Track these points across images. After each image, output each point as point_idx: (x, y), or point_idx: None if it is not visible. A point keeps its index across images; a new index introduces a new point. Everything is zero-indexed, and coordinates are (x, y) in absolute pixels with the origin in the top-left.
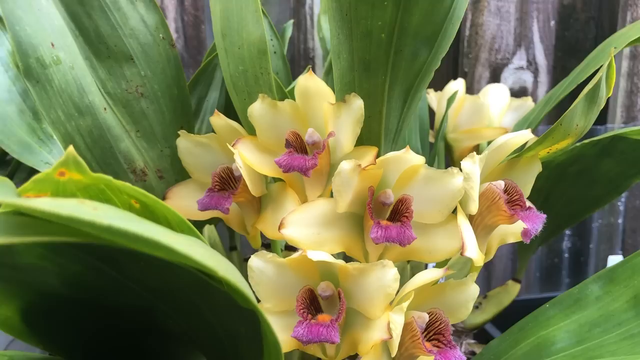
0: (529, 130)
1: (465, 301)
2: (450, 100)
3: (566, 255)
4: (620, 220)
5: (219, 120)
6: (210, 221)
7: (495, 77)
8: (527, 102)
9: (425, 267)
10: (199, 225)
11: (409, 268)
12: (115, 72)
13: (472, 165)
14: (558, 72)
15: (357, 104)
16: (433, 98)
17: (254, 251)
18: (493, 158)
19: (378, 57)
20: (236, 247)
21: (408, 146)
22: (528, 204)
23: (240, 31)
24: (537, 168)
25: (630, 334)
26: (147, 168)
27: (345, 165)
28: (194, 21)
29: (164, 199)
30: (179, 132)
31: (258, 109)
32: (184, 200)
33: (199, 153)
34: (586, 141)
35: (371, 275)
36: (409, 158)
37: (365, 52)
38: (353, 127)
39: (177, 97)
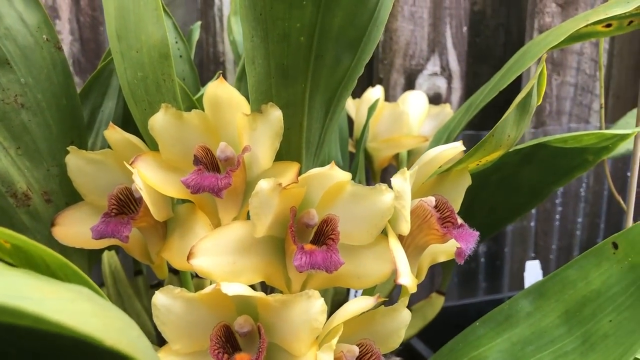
0: (460, 142)
1: (398, 328)
2: (372, 109)
3: (482, 259)
4: (532, 224)
5: (114, 134)
6: (109, 248)
7: (410, 83)
8: (446, 109)
9: (347, 292)
10: (97, 252)
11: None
12: None
13: (402, 182)
14: (470, 78)
15: (275, 115)
16: (351, 105)
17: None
18: (423, 172)
19: (297, 62)
20: (142, 271)
21: (333, 162)
22: (459, 220)
23: (138, 32)
24: (467, 181)
25: (563, 352)
26: (30, 191)
27: (264, 185)
28: (91, 22)
29: (52, 225)
30: (68, 149)
31: (160, 121)
32: (77, 227)
33: (92, 172)
34: (510, 150)
35: (295, 308)
36: (335, 175)
37: (283, 57)
38: (272, 140)
39: (65, 107)
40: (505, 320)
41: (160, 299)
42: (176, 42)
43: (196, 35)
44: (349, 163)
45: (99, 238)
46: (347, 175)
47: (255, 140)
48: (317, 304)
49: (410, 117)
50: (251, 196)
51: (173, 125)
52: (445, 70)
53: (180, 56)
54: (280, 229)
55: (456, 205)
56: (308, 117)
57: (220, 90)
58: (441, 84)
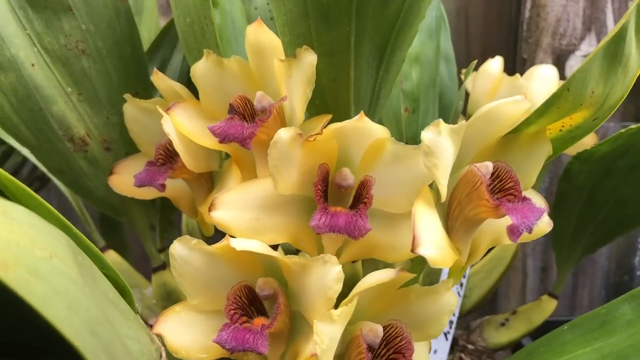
0: (521, 96)
1: (439, 314)
2: (468, 73)
3: (639, 272)
4: None
5: (160, 81)
6: (164, 202)
7: (559, 65)
8: None
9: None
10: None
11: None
12: (53, 24)
13: (434, 135)
14: None
15: (309, 59)
16: (469, 80)
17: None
18: (479, 132)
19: (338, 1)
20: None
21: (362, 112)
22: (528, 194)
23: None
24: (544, 149)
25: None
26: (89, 137)
27: (283, 134)
28: None
29: (110, 173)
30: (125, 97)
31: (202, 68)
32: (131, 177)
33: (146, 121)
34: (634, 127)
35: (312, 274)
36: (366, 128)
37: None
38: (303, 88)
39: (129, 56)
40: (600, 327)
41: (177, 248)
42: None
43: None
44: None
45: (139, 185)
46: (383, 131)
47: (291, 88)
48: (333, 271)
49: (532, 92)
50: (269, 146)
51: (213, 72)
52: None
53: None
54: (312, 189)
55: (529, 177)
56: (356, 67)
57: (260, 35)
58: None
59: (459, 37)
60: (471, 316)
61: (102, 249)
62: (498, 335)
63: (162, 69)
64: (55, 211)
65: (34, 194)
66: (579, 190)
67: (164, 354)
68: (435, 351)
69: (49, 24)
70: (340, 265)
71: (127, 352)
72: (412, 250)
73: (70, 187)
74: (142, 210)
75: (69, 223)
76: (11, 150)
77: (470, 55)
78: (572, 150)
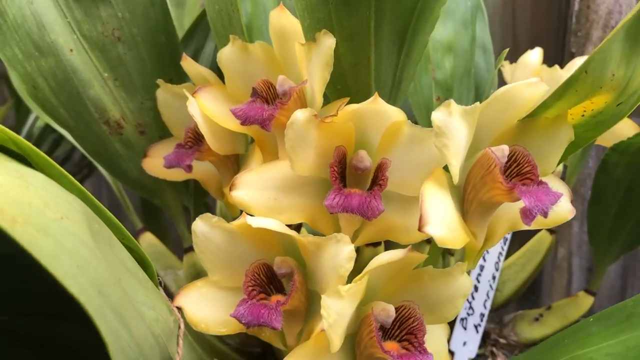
0: (536, 78)
1: (452, 297)
2: (500, 60)
3: None
4: None
5: (188, 66)
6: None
7: None
8: None
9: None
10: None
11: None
12: (92, 12)
13: (445, 116)
14: None
15: (327, 43)
16: (507, 70)
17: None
18: (495, 115)
19: None
20: None
21: (377, 94)
22: (548, 180)
23: None
24: (566, 134)
25: None
26: (124, 120)
27: (299, 115)
28: None
29: (144, 156)
30: (157, 82)
31: (227, 53)
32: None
33: (177, 106)
34: None
35: (325, 252)
36: (381, 110)
37: None
38: (322, 71)
39: (164, 44)
40: (627, 319)
41: (199, 225)
42: None
43: None
44: None
45: (168, 166)
46: (398, 113)
47: (311, 72)
48: (345, 250)
49: None
50: (286, 127)
51: (239, 57)
52: None
53: None
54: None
55: (549, 162)
56: (376, 50)
57: (283, 20)
58: None
59: (505, 30)
60: (504, 310)
61: (140, 231)
62: (531, 330)
63: (196, 56)
64: (77, 182)
65: (55, 164)
66: (616, 183)
67: (182, 326)
68: (464, 343)
69: (88, 12)
70: (352, 245)
71: (140, 316)
72: (419, 229)
73: (106, 169)
74: (175, 192)
75: (89, 194)
76: (61, 138)
77: (517, 48)
78: (609, 141)
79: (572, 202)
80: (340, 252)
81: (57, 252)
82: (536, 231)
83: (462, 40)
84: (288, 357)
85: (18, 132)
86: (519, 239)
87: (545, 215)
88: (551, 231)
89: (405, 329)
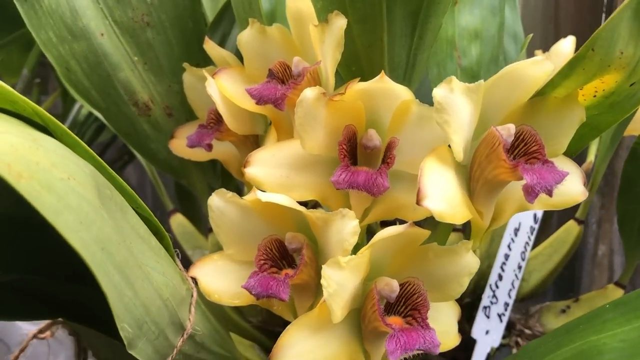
0: (542, 56)
1: (458, 275)
2: (523, 47)
3: None
4: None
5: (210, 49)
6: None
7: None
8: None
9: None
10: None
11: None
12: None
13: (446, 92)
14: None
15: (338, 24)
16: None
17: None
18: (502, 94)
19: None
20: None
21: (383, 72)
22: (559, 161)
23: None
24: (576, 115)
25: None
26: (152, 102)
27: (308, 93)
28: None
29: (171, 137)
30: (184, 66)
31: (247, 36)
32: None
33: (202, 88)
34: None
35: (332, 227)
36: (388, 88)
37: None
38: (333, 51)
39: (192, 30)
40: None
41: (215, 200)
42: None
43: None
44: None
45: (190, 146)
46: (406, 92)
47: (324, 53)
48: (350, 224)
49: None
50: (296, 105)
51: (257, 40)
52: None
53: None
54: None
55: (560, 143)
56: (389, 32)
57: (300, 3)
58: None
59: (547, 21)
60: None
61: (171, 212)
62: (557, 322)
63: (222, 42)
64: (91, 150)
65: (70, 132)
66: None
67: (194, 294)
68: (487, 332)
69: None
70: (357, 220)
71: (147, 278)
72: (417, 203)
73: (136, 150)
74: (200, 173)
75: (103, 162)
76: (104, 125)
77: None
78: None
79: (598, 190)
80: (345, 226)
81: (60, 207)
82: (564, 222)
83: (490, 27)
84: (291, 325)
85: (64, 119)
86: (547, 231)
87: (549, 193)
88: (579, 221)
89: (409, 305)
